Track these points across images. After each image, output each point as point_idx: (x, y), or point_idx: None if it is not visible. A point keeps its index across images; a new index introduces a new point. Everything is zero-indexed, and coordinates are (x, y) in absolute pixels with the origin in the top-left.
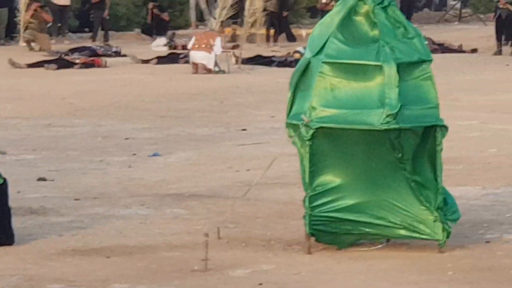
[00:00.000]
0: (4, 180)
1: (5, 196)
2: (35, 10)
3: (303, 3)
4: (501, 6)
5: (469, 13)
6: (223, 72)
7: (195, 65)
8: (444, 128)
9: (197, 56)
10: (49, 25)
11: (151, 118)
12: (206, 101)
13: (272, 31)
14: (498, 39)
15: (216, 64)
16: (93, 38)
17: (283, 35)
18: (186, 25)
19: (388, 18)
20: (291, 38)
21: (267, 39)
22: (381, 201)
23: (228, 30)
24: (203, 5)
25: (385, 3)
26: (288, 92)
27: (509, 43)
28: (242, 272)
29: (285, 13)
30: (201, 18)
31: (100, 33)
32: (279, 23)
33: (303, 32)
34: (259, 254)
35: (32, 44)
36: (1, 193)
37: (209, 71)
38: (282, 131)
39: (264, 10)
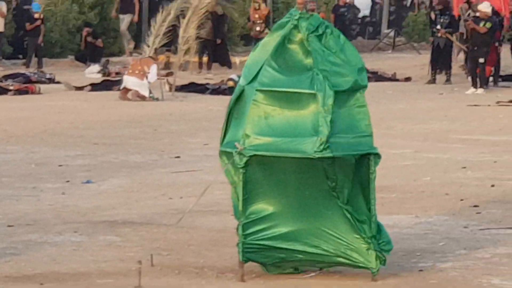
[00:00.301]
0: None
1: None
2: None
3: (236, 31)
4: (439, 35)
5: (403, 41)
6: (157, 99)
7: (125, 90)
8: (378, 156)
9: (129, 81)
10: None
11: (84, 145)
12: (139, 128)
13: (205, 59)
14: (433, 68)
15: (150, 92)
16: (27, 65)
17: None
18: (120, 52)
19: (322, 46)
20: (229, 64)
21: (200, 66)
22: (315, 229)
23: (162, 58)
24: (123, 27)
25: (319, 31)
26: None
27: (444, 72)
28: None
29: (218, 41)
30: (135, 46)
31: (34, 59)
32: (213, 50)
33: (237, 59)
34: (193, 282)
35: None
36: None
37: (142, 98)
38: (216, 158)
39: (198, 38)
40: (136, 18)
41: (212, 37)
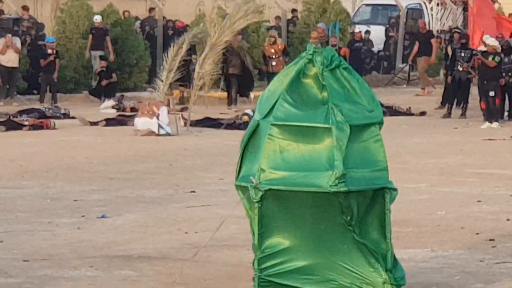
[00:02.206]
0: None
1: None
2: None
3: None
4: (461, 69)
5: (417, 75)
6: (169, 134)
7: (138, 131)
8: (393, 190)
9: (139, 122)
10: None
11: (99, 180)
12: (154, 163)
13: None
14: (450, 101)
15: (161, 127)
16: (41, 100)
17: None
18: (135, 87)
19: (337, 80)
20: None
21: (229, 103)
22: (330, 263)
23: (176, 93)
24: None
25: (334, 65)
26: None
27: (461, 105)
28: None
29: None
30: (149, 81)
31: (48, 95)
32: (241, 85)
33: (251, 94)
34: None
35: None
36: None
37: (155, 135)
38: (231, 193)
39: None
40: (111, 57)
41: (241, 72)
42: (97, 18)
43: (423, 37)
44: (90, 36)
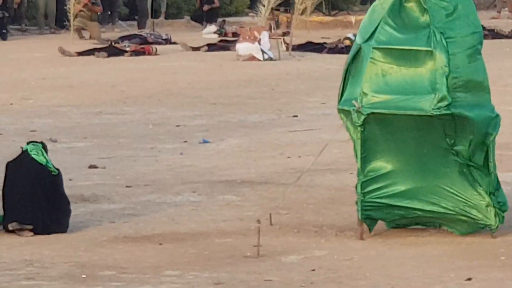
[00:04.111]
0: (58, 171)
1: (61, 186)
2: (86, 4)
3: None
4: None
5: None
6: (271, 59)
7: (240, 56)
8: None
9: (241, 47)
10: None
11: (201, 105)
12: (256, 88)
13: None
14: None
15: (263, 52)
16: (139, 26)
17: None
18: (237, 12)
19: (438, 2)
20: None
21: None
22: (433, 187)
23: (283, 18)
24: None
25: None
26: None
27: None
28: (295, 258)
29: None
30: (250, 6)
31: (150, 20)
32: None
33: (352, 18)
34: (312, 240)
35: (82, 32)
36: (56, 183)
37: (257, 59)
38: (333, 117)
39: None
40: None
41: None
42: None
43: None
44: None
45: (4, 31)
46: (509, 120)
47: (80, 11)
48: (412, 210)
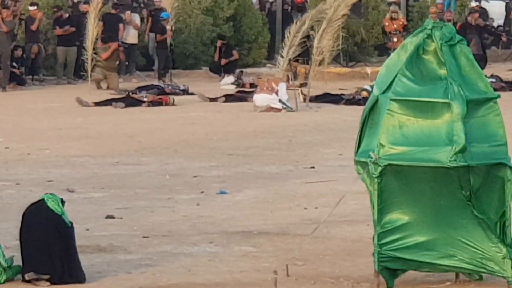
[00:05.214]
0: (71, 223)
1: (74, 238)
2: (116, 49)
3: (370, 41)
4: None
5: None
6: (291, 109)
7: (257, 107)
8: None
9: (258, 98)
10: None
11: (219, 156)
12: (274, 139)
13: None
14: None
15: (281, 103)
16: (159, 77)
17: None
18: (254, 63)
19: (455, 56)
20: None
21: None
22: (450, 239)
23: (301, 69)
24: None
25: (453, 41)
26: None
27: None
28: None
29: None
30: (268, 57)
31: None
32: None
33: (368, 70)
34: None
35: (101, 83)
36: (71, 234)
37: (275, 110)
38: (350, 168)
39: None
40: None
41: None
42: None
43: None
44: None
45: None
46: None
47: (98, 61)
48: (429, 264)
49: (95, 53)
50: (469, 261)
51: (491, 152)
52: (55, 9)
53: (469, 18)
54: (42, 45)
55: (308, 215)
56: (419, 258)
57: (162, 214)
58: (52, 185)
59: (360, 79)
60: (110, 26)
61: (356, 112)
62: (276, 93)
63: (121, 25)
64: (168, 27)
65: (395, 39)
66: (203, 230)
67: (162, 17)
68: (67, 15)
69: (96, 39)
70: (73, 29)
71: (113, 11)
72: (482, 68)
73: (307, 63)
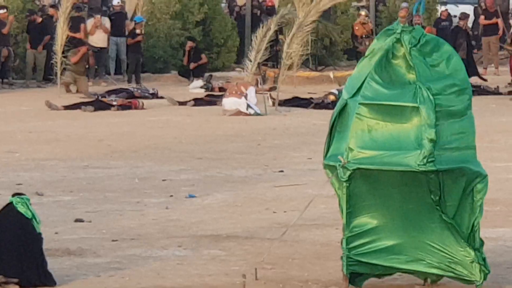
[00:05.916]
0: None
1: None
2: (84, 53)
3: (340, 45)
4: None
5: (506, 54)
6: (260, 113)
7: (226, 111)
8: (482, 176)
9: (227, 102)
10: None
11: (188, 159)
12: (243, 143)
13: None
14: None
15: (250, 107)
16: (129, 80)
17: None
18: (224, 67)
19: (425, 59)
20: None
21: None
22: (419, 242)
23: (270, 73)
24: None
25: (422, 44)
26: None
27: None
28: None
29: None
30: (237, 61)
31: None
32: None
33: (330, 74)
34: None
35: (70, 86)
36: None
37: (244, 114)
38: (319, 172)
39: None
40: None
41: None
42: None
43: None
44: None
45: None
46: (495, 176)
47: (67, 64)
48: (397, 268)
49: (64, 57)
50: (437, 265)
51: (459, 156)
52: (27, 13)
53: (460, 23)
54: (11, 48)
55: (277, 219)
56: (388, 262)
57: (131, 218)
58: (21, 188)
59: (329, 83)
60: (76, 30)
61: (325, 116)
62: (245, 97)
63: (82, 25)
64: (138, 31)
65: (367, 43)
66: (172, 233)
67: (135, 20)
68: (40, 19)
69: (65, 44)
70: (49, 36)
71: (76, 14)
72: (469, 74)
73: (276, 67)
